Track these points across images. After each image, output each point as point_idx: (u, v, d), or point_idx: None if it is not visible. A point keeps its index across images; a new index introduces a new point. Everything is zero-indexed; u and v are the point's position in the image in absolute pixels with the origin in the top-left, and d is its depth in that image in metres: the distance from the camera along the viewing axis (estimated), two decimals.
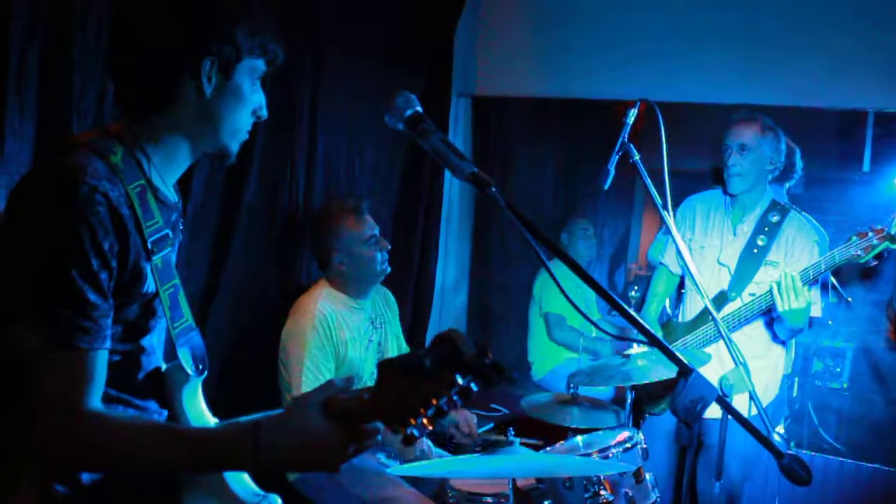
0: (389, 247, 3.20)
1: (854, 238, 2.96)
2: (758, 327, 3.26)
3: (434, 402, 1.23)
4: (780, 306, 2.98)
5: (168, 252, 1.49)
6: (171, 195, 1.56)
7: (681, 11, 4.06)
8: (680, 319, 3.48)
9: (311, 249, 3.30)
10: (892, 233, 2.91)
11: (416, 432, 1.25)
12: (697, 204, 3.45)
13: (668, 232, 3.25)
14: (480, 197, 1.44)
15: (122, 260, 1.38)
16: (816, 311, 3.20)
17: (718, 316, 3.09)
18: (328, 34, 3.54)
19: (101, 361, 1.36)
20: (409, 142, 4.15)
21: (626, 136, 2.70)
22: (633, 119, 2.73)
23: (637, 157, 2.67)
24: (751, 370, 2.73)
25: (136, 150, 1.47)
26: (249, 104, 1.54)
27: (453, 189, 4.68)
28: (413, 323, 4.26)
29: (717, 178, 3.45)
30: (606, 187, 2.77)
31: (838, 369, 4.72)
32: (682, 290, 3.54)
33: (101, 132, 1.47)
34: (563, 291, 1.51)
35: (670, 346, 1.55)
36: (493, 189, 1.43)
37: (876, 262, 2.99)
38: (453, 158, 1.46)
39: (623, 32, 4.20)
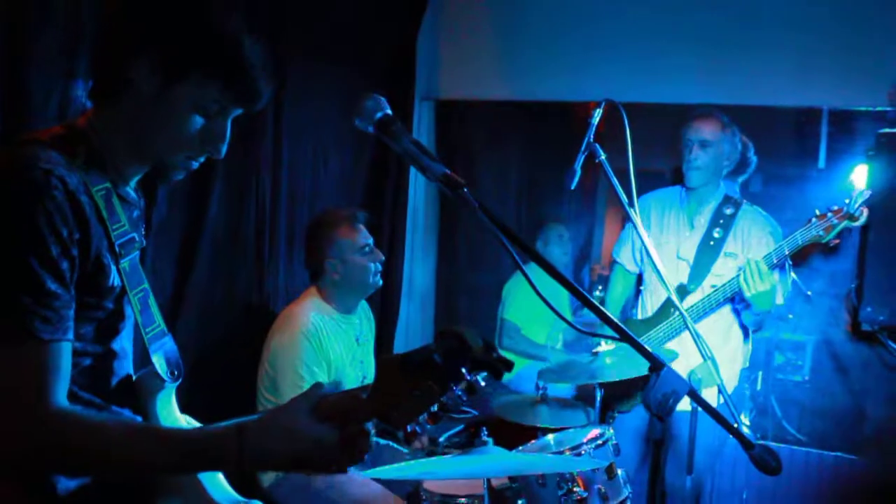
0: (383, 258, 3.20)
1: (814, 220, 3.06)
2: (716, 320, 3.31)
3: (439, 398, 1.23)
4: (748, 291, 3.05)
5: (135, 255, 1.44)
6: (133, 193, 1.50)
7: (640, 14, 4.13)
8: (639, 317, 3.52)
9: (304, 258, 3.25)
10: (851, 211, 3.01)
11: (417, 429, 1.25)
12: (652, 202, 3.52)
13: (632, 230, 3.32)
14: (451, 199, 1.44)
15: (84, 249, 1.31)
16: (780, 298, 3.28)
17: (683, 307, 3.18)
18: (291, 41, 3.52)
19: (66, 354, 1.28)
20: (372, 146, 4.18)
21: (592, 136, 2.74)
22: (598, 119, 2.77)
23: (603, 156, 2.71)
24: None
25: (99, 145, 1.41)
26: (187, 129, 1.41)
27: (418, 192, 4.69)
28: (381, 326, 4.25)
29: (676, 177, 3.52)
30: (573, 187, 2.80)
31: (799, 362, 4.81)
32: (641, 288, 3.59)
33: (66, 127, 1.42)
34: (536, 290, 1.53)
35: (642, 343, 1.58)
36: (465, 190, 1.44)
37: (837, 242, 3.08)
38: (425, 160, 1.46)
39: (583, 35, 4.26)
